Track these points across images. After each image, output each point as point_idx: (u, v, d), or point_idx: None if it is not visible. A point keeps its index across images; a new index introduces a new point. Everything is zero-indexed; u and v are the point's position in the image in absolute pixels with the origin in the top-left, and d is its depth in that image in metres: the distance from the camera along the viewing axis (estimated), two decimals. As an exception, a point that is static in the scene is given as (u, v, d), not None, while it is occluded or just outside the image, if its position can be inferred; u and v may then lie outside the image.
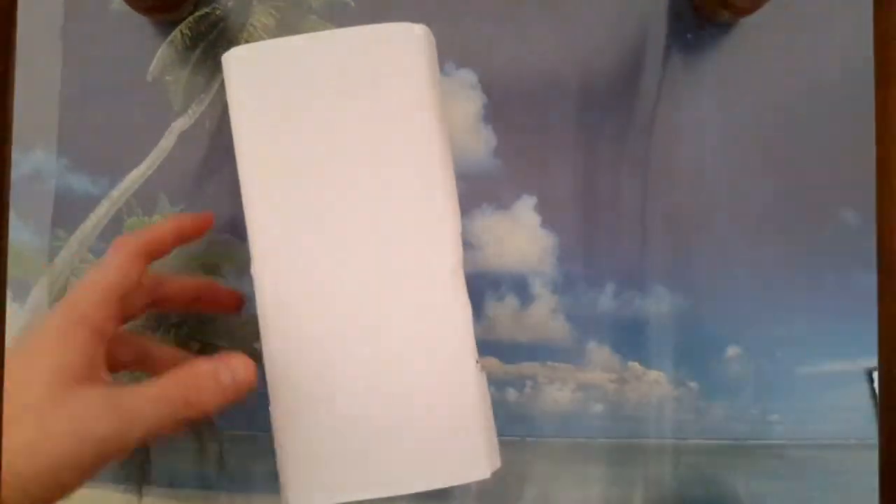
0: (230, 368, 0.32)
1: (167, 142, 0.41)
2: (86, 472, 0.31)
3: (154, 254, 0.35)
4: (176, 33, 0.41)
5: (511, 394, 0.39)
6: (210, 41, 0.42)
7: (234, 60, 0.35)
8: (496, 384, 0.36)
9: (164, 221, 0.36)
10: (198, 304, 0.39)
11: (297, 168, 0.35)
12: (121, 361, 0.36)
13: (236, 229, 0.41)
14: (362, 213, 0.35)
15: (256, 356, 0.39)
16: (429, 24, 0.35)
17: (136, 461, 0.40)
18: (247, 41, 0.41)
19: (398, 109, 0.35)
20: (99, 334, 0.33)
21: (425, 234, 0.35)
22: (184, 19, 0.41)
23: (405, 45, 0.35)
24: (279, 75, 0.35)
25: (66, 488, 0.30)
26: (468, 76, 0.40)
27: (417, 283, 0.35)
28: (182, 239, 0.36)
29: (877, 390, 0.38)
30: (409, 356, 0.34)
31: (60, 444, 0.30)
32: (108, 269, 0.33)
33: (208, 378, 0.32)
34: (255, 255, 0.35)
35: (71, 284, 0.40)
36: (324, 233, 0.35)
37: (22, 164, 0.41)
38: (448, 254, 0.35)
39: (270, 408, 0.34)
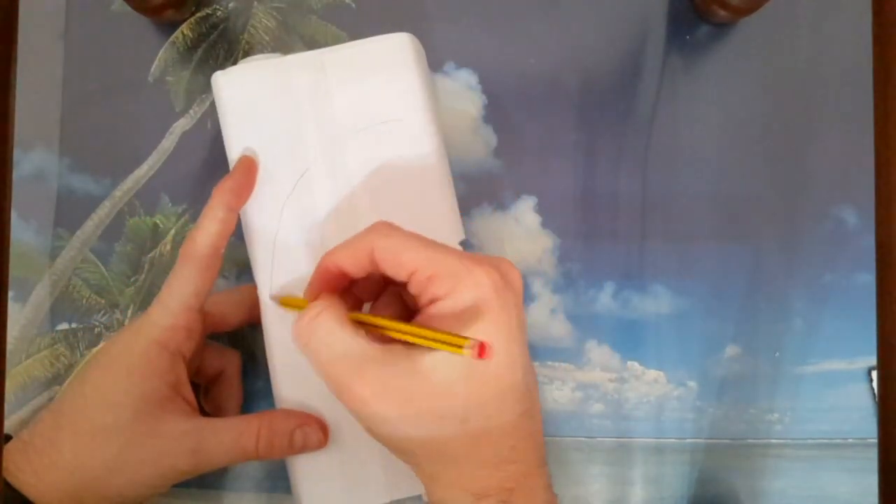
0: (304, 433, 0.33)
1: (169, 142, 0.41)
2: (152, 494, 0.32)
3: (219, 263, 0.33)
4: (177, 34, 0.42)
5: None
6: (211, 42, 0.42)
7: (223, 80, 0.35)
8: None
9: (211, 221, 0.33)
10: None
11: (292, 178, 0.35)
12: (205, 374, 0.37)
13: (237, 230, 0.41)
14: (359, 222, 0.35)
15: (261, 362, 0.39)
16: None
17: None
18: (248, 42, 0.41)
19: (391, 118, 0.35)
20: (180, 356, 0.33)
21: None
22: (185, 20, 0.42)
23: (392, 54, 0.35)
24: (269, 93, 0.35)
25: None
26: (468, 76, 0.40)
27: None
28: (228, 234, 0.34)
29: (876, 389, 0.39)
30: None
31: (141, 470, 0.31)
32: (184, 285, 0.32)
33: (283, 437, 0.33)
34: (255, 262, 0.35)
35: (73, 285, 0.40)
36: (321, 241, 0.35)
37: (24, 163, 0.41)
38: None
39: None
